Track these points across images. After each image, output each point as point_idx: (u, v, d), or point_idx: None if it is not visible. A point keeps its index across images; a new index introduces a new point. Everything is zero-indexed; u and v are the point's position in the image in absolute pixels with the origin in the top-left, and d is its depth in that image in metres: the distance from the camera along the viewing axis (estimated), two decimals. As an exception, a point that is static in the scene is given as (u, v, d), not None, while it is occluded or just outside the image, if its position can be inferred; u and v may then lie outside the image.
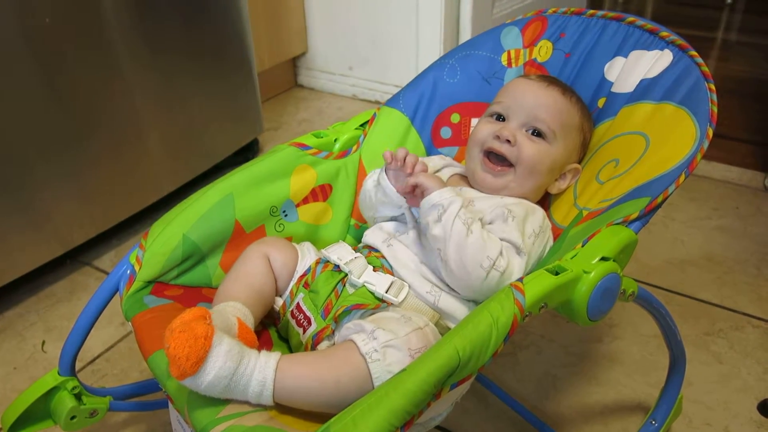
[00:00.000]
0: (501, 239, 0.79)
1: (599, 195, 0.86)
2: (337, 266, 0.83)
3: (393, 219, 0.91)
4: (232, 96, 1.78)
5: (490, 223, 0.84)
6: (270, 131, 2.12)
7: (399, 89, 1.09)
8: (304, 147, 0.98)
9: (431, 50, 2.13)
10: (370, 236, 0.89)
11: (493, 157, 0.91)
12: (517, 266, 0.78)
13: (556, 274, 0.69)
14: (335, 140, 1.02)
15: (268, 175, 0.94)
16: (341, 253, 0.85)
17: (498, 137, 0.90)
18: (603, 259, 0.71)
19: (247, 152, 1.91)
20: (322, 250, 0.87)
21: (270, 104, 2.31)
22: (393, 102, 1.07)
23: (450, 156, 1.07)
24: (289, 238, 0.96)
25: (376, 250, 0.86)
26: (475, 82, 1.07)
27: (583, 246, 0.74)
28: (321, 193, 1.00)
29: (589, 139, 0.96)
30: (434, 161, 1.00)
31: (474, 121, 1.07)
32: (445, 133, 1.07)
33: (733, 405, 1.10)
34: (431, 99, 1.07)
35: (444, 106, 1.07)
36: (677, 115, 0.84)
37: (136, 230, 1.59)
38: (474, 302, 0.82)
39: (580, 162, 0.96)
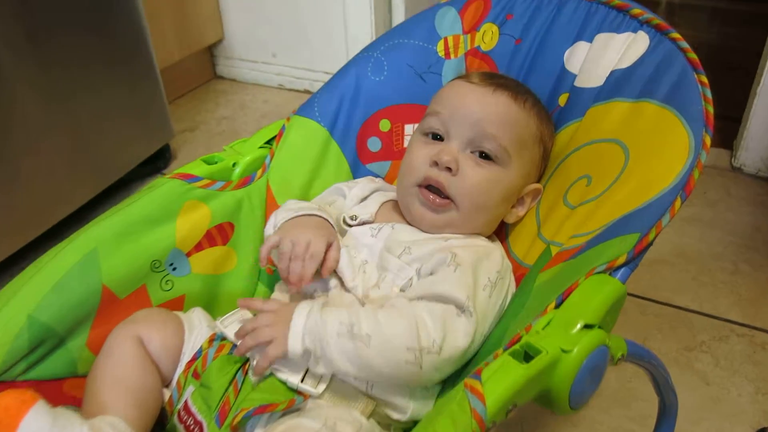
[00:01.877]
0: (438, 296, 0.60)
1: (570, 225, 0.67)
2: (236, 345, 0.62)
3: None
4: (131, 98, 1.52)
5: (431, 274, 0.64)
6: (185, 133, 1.87)
7: (330, 77, 0.88)
8: (191, 179, 0.76)
9: (361, 31, 1.91)
10: (280, 297, 0.69)
11: (433, 188, 0.71)
12: (462, 332, 0.59)
13: (526, 357, 0.51)
14: (234, 165, 0.81)
15: (145, 221, 0.72)
16: None
17: (436, 163, 0.70)
18: (586, 326, 0.53)
19: (157, 161, 1.67)
20: (217, 321, 0.66)
21: (185, 101, 2.05)
22: (306, 109, 0.85)
23: (381, 174, 0.87)
24: (181, 298, 0.75)
25: None
26: (407, 78, 0.87)
27: (557, 307, 0.56)
28: (219, 235, 0.78)
29: (550, 148, 0.77)
30: (361, 186, 0.79)
31: (409, 129, 0.86)
32: (374, 145, 0.87)
33: (728, 437, 0.95)
34: (354, 103, 0.86)
35: (370, 111, 0.86)
36: (662, 117, 0.66)
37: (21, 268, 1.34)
38: None
39: (540, 180, 0.77)
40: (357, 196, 0.77)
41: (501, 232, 0.77)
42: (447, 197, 0.70)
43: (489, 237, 0.74)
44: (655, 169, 0.63)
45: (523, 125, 0.72)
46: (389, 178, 0.86)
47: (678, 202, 0.59)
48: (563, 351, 0.51)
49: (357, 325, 0.56)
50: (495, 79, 0.74)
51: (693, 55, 0.68)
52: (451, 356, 0.58)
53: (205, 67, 2.20)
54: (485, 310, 0.62)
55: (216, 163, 0.80)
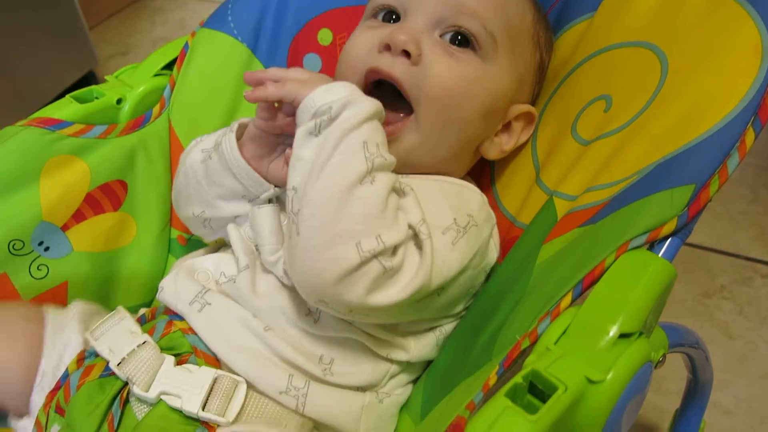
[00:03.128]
0: None
1: (583, 169, 0.47)
2: (109, 368, 0.44)
3: (234, 226, 0.51)
4: (43, 20, 1.28)
5: None
6: (116, 58, 1.62)
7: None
8: (55, 125, 0.55)
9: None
10: (169, 288, 0.49)
11: (384, 87, 0.49)
12: (409, 268, 0.41)
13: (532, 391, 0.32)
14: (119, 101, 0.59)
15: (-12, 188, 0.51)
16: (118, 338, 0.45)
17: (388, 47, 0.48)
18: (622, 336, 0.34)
19: (81, 92, 1.43)
20: (89, 333, 0.46)
21: (116, 22, 1.78)
22: (216, 20, 0.63)
23: (324, 103, 0.65)
24: (62, 286, 0.56)
25: (181, 318, 0.47)
26: (352, -29, 0.64)
27: (574, 301, 0.37)
28: (106, 198, 0.58)
29: (547, 62, 0.56)
30: None
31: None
32: (312, 63, 0.65)
33: (758, 402, 0.80)
34: (282, 7, 0.64)
35: (304, 18, 0.64)
36: (716, 5, 0.45)
37: None
38: (360, 389, 0.45)
39: (534, 103, 0.56)
40: None
41: (484, 176, 0.57)
42: (401, 109, 0.48)
43: (463, 179, 0.54)
44: (711, 83, 0.42)
45: (513, 8, 0.51)
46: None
47: (750, 134, 0.39)
48: (590, 381, 0.33)
49: (382, 159, 0.41)
50: None
51: None
52: (381, 289, 0.40)
53: (136, -20, 1.91)
54: (447, 261, 0.43)
55: (94, 99, 0.58)
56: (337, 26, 0.64)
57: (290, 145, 0.44)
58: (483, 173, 0.57)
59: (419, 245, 0.42)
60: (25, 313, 0.50)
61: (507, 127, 0.53)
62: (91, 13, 1.59)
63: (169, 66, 0.62)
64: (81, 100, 0.57)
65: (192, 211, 0.53)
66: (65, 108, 0.56)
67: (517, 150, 0.54)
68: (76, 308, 0.51)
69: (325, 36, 0.64)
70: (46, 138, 0.54)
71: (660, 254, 0.38)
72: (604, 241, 0.39)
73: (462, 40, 0.49)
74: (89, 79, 1.46)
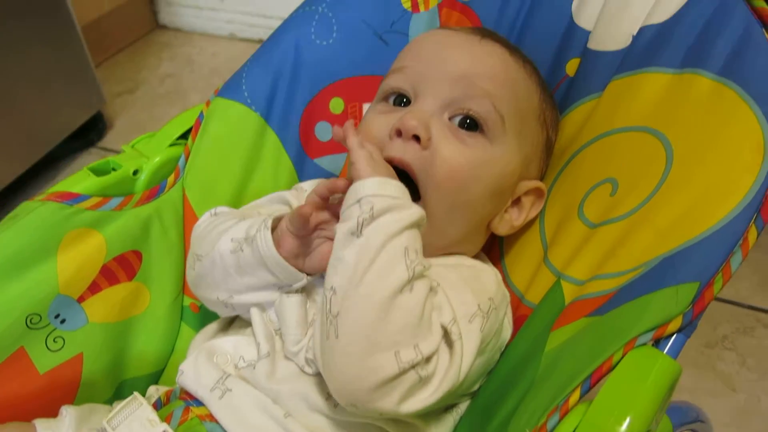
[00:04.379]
0: None
1: (590, 253, 0.48)
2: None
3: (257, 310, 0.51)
4: (50, 60, 1.30)
5: None
6: (123, 97, 1.64)
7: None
8: (73, 199, 0.56)
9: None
10: (189, 372, 0.50)
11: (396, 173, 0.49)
12: (440, 370, 0.42)
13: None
14: (135, 172, 0.60)
15: (8, 265, 0.53)
16: (136, 428, 0.46)
17: (399, 133, 0.49)
18: (629, 440, 0.35)
19: (89, 134, 1.45)
20: (106, 422, 0.47)
21: (123, 58, 1.80)
22: (231, 89, 0.64)
23: (335, 171, 0.67)
24: (78, 358, 0.57)
25: (198, 403, 0.47)
26: (364, 41, 0.66)
27: (583, 396, 0.38)
28: (121, 268, 0.59)
29: (554, 141, 0.57)
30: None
31: (367, 109, 0.66)
32: (323, 132, 0.66)
33: (762, 457, 0.81)
34: (294, 77, 0.65)
35: (317, 87, 0.66)
36: (719, 96, 0.46)
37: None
38: None
39: (542, 179, 0.57)
40: None
41: (493, 251, 0.58)
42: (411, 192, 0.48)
43: (476, 256, 0.55)
44: (714, 177, 0.44)
45: (521, 89, 0.52)
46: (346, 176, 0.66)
47: (753, 232, 0.41)
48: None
49: (421, 266, 0.42)
50: (481, 30, 0.54)
51: (761, 3, 0.47)
52: (414, 398, 0.41)
53: (144, 15, 1.94)
54: (472, 348, 0.44)
55: (111, 171, 0.59)
56: (348, 95, 0.66)
57: (328, 237, 0.45)
58: (492, 248, 0.58)
59: (449, 343, 0.43)
60: None
61: (517, 202, 0.55)
62: (99, 50, 1.61)
63: (184, 135, 0.63)
64: (98, 172, 0.58)
65: (217, 296, 0.52)
66: (83, 181, 0.57)
67: (526, 227, 0.56)
68: (69, 415, 0.50)
69: (336, 105, 0.66)
70: (64, 212, 0.55)
71: (665, 350, 0.39)
72: (612, 336, 0.40)
73: (471, 123, 0.50)
74: (96, 121, 1.48)
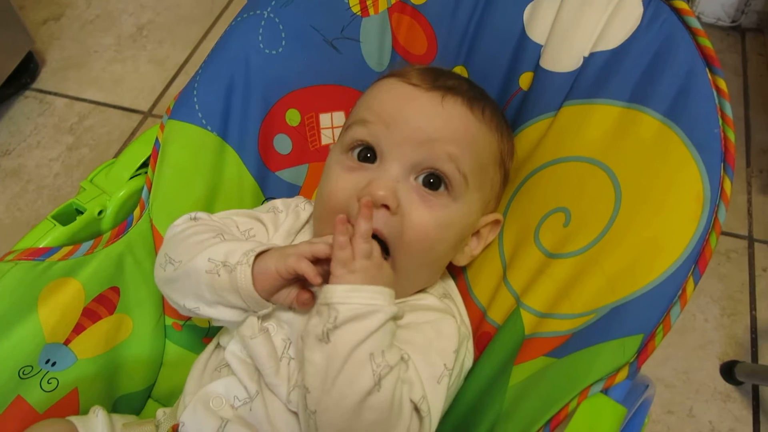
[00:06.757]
0: None
1: (546, 285, 0.52)
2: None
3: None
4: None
5: None
6: (48, 24, 1.52)
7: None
8: (44, 254, 0.56)
9: None
10: (190, 424, 0.53)
11: None
12: None
13: None
14: (99, 213, 0.60)
15: (-8, 328, 0.54)
16: None
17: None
18: (583, 485, 0.42)
19: (22, 76, 1.37)
20: None
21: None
22: (183, 110, 0.63)
23: (297, 182, 0.68)
24: (73, 393, 0.60)
25: None
26: (314, 48, 0.64)
27: (543, 444, 0.44)
28: (102, 306, 0.61)
29: (509, 169, 0.59)
30: (299, 210, 0.60)
31: (325, 120, 0.66)
32: (282, 145, 0.66)
33: (695, 374, 0.92)
34: (247, 91, 0.64)
35: (272, 99, 0.65)
36: (663, 139, 0.49)
37: None
38: None
39: (498, 202, 0.60)
40: (294, 228, 0.59)
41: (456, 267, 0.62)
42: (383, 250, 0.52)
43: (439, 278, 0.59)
44: (659, 226, 0.47)
45: (482, 143, 0.54)
46: (308, 187, 0.67)
47: (690, 284, 0.45)
48: None
49: (387, 366, 0.44)
50: (441, 80, 0.54)
51: (706, 42, 0.49)
52: None
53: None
54: (440, 407, 0.49)
55: (76, 217, 0.59)
56: (304, 106, 0.65)
57: (301, 287, 0.49)
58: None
59: (420, 417, 0.47)
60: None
61: (476, 235, 0.58)
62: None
63: (142, 166, 0.62)
64: (62, 219, 0.58)
65: (185, 303, 0.55)
66: (49, 234, 0.57)
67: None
68: (101, 414, 0.56)
69: (293, 116, 0.65)
70: (37, 269, 0.55)
71: (613, 397, 0.45)
72: (568, 384, 0.46)
73: (435, 182, 0.52)
74: (27, 60, 1.39)
